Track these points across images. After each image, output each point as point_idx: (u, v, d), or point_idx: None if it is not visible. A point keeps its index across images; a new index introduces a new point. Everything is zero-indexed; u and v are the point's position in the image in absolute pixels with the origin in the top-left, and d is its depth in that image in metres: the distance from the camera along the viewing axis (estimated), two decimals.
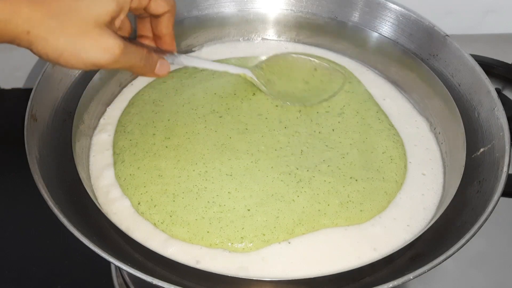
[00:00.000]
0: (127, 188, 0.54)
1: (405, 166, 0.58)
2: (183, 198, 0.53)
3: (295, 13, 0.71)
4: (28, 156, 0.50)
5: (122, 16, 0.46)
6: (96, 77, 0.60)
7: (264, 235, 0.51)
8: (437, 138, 0.62)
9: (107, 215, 0.51)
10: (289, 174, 0.55)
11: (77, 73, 0.60)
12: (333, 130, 0.61)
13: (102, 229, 0.49)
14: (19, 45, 0.42)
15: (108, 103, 0.64)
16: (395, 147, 0.60)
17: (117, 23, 0.46)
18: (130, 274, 0.48)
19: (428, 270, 0.44)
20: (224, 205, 0.53)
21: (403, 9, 0.67)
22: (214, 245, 0.50)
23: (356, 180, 0.56)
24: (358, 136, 0.60)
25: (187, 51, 0.71)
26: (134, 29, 0.53)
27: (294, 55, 0.66)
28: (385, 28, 0.68)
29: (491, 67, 0.82)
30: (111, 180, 0.56)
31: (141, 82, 0.66)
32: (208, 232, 0.51)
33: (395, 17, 0.67)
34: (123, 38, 0.45)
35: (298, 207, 0.53)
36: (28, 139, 0.51)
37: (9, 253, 0.72)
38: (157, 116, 0.61)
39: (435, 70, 0.63)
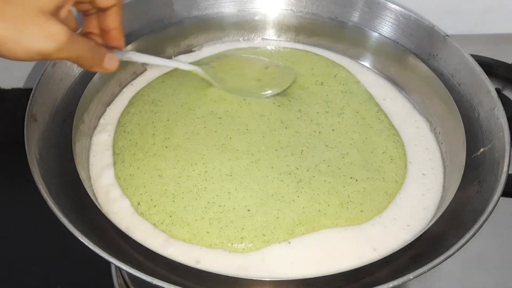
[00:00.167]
0: (127, 188, 0.54)
1: (405, 166, 0.58)
2: (183, 198, 0.53)
3: (295, 13, 0.71)
4: (28, 156, 0.50)
5: (68, 7, 0.43)
6: (96, 77, 0.60)
7: (264, 235, 0.51)
8: (437, 138, 0.62)
9: (107, 215, 0.51)
10: (289, 174, 0.55)
11: (77, 73, 0.60)
12: (333, 130, 0.61)
13: (102, 229, 0.49)
14: None
15: (108, 103, 0.64)
16: (395, 147, 0.60)
17: (63, 14, 0.43)
18: (130, 274, 0.48)
19: (428, 270, 0.44)
20: (224, 205, 0.53)
21: (403, 9, 0.67)
22: (214, 245, 0.50)
23: (356, 180, 0.56)
24: (358, 136, 0.60)
25: (187, 51, 0.71)
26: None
27: (244, 55, 0.68)
28: (385, 28, 0.68)
29: (491, 67, 0.82)
30: (111, 180, 0.56)
31: (141, 82, 0.66)
32: (208, 232, 0.51)
33: (395, 17, 0.67)
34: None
35: (298, 207, 0.53)
36: (28, 139, 0.51)
37: (9, 253, 0.72)
38: (156, 116, 0.61)
39: (435, 70, 0.63)
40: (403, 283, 0.43)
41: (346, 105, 0.64)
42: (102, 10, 0.49)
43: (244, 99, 0.63)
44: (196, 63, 0.67)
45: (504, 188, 0.50)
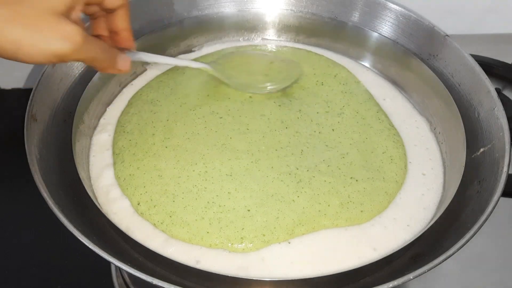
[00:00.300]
0: (127, 188, 0.54)
1: (405, 166, 0.58)
2: (182, 198, 0.53)
3: (295, 13, 0.71)
4: (28, 156, 0.50)
5: (78, 8, 0.43)
6: (96, 77, 0.60)
7: (264, 235, 0.51)
8: (437, 138, 0.62)
9: (107, 215, 0.51)
10: (289, 174, 0.55)
11: (77, 73, 0.60)
12: (333, 130, 0.61)
13: (102, 229, 0.49)
14: None
15: (108, 103, 0.64)
16: (395, 147, 0.60)
17: (74, 16, 0.43)
18: (130, 274, 0.48)
19: (428, 270, 0.44)
20: (224, 205, 0.53)
21: (403, 9, 0.67)
22: (214, 246, 0.50)
23: (356, 180, 0.56)
24: (358, 136, 0.60)
25: (187, 51, 0.71)
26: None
27: (250, 52, 0.68)
28: (385, 28, 0.68)
29: (491, 67, 0.82)
30: (111, 180, 0.56)
31: (141, 82, 0.66)
32: (208, 232, 0.51)
33: (395, 17, 0.67)
34: None
35: (298, 208, 0.53)
36: (28, 139, 0.51)
37: (9, 253, 0.72)
38: (156, 116, 0.61)
39: (435, 70, 0.63)
40: (403, 283, 0.43)
41: (346, 105, 0.64)
42: (110, 12, 0.49)
43: (244, 99, 0.63)
44: (201, 60, 0.67)
45: (504, 188, 0.50)
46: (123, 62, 0.48)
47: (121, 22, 0.49)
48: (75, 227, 0.44)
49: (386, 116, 0.63)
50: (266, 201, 0.53)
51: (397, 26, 0.67)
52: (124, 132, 0.60)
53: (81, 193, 0.51)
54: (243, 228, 0.51)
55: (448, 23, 0.75)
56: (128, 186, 0.54)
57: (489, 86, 0.58)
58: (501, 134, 0.54)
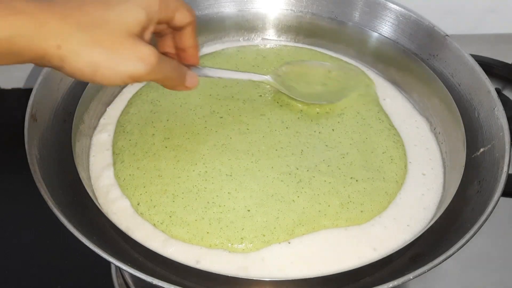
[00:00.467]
0: (127, 188, 0.54)
1: (405, 166, 0.58)
2: (182, 198, 0.53)
3: (295, 13, 0.71)
4: (28, 156, 0.50)
5: (151, 28, 0.44)
6: None
7: (264, 235, 0.51)
8: (437, 138, 0.62)
9: (107, 215, 0.51)
10: (289, 174, 0.55)
11: None
12: (333, 130, 0.61)
13: (102, 229, 0.49)
14: (49, 63, 0.39)
15: (108, 103, 0.64)
16: (395, 147, 0.60)
17: (147, 36, 0.44)
18: (130, 274, 0.49)
19: (428, 270, 0.44)
20: (224, 205, 0.53)
21: (403, 9, 0.67)
22: (214, 246, 0.50)
23: (356, 180, 0.56)
24: (358, 136, 0.60)
25: None
26: None
27: (307, 62, 0.66)
28: (385, 28, 0.68)
29: (491, 67, 0.82)
30: (111, 180, 0.56)
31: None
32: (208, 232, 0.51)
33: (395, 17, 0.67)
34: None
35: (298, 208, 0.53)
36: (28, 139, 0.51)
37: (9, 252, 0.72)
38: (156, 116, 0.61)
39: (435, 70, 0.63)
40: (403, 283, 0.43)
41: (349, 106, 0.64)
42: (177, 29, 0.49)
43: (245, 99, 0.62)
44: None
45: (504, 188, 0.50)
46: (191, 79, 0.48)
47: (189, 39, 0.49)
48: (75, 227, 0.44)
49: (386, 116, 0.63)
50: (266, 201, 0.53)
51: (397, 26, 0.67)
52: (124, 132, 0.60)
53: (81, 193, 0.51)
54: (243, 228, 0.51)
55: (448, 23, 0.75)
56: (128, 186, 0.54)
57: (489, 86, 0.58)
58: (501, 134, 0.54)
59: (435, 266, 0.44)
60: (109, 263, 0.48)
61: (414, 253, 0.49)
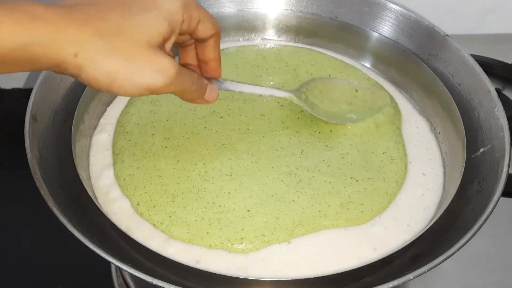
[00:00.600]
0: (127, 189, 0.54)
1: (406, 167, 0.58)
2: (182, 198, 0.53)
3: (295, 13, 0.71)
4: (28, 156, 0.50)
5: (173, 39, 0.43)
6: None
7: (264, 235, 0.51)
8: (437, 138, 0.62)
9: (107, 215, 0.51)
10: (289, 174, 0.55)
11: None
12: (331, 131, 0.60)
13: (102, 229, 0.49)
14: (66, 70, 0.39)
15: (108, 103, 0.64)
16: (396, 147, 0.60)
17: (168, 46, 0.43)
18: (130, 274, 0.49)
19: (428, 270, 0.44)
20: (224, 205, 0.53)
21: (403, 9, 0.67)
22: (214, 246, 0.50)
23: (356, 180, 0.56)
24: (358, 137, 0.60)
25: None
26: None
27: (333, 79, 0.64)
28: (385, 28, 0.68)
29: (491, 67, 0.82)
30: (111, 180, 0.56)
31: None
32: (208, 233, 0.51)
33: (395, 17, 0.67)
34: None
35: (298, 208, 0.53)
36: (28, 139, 0.51)
37: (9, 253, 0.72)
38: (155, 116, 0.61)
39: (435, 70, 0.63)
40: (403, 283, 0.43)
41: None
42: (200, 41, 0.47)
43: (245, 99, 0.62)
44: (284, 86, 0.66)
45: (504, 188, 0.50)
46: (212, 93, 0.47)
47: (212, 52, 0.48)
48: (75, 227, 0.44)
49: None
50: (266, 201, 0.53)
51: (397, 26, 0.67)
52: (123, 132, 0.60)
53: (81, 193, 0.51)
54: (243, 229, 0.51)
55: (448, 23, 0.75)
56: (128, 186, 0.54)
57: (489, 86, 0.58)
58: (501, 134, 0.54)
59: (435, 266, 0.44)
60: (109, 263, 0.48)
61: (414, 253, 0.49)
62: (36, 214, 0.71)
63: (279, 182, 0.55)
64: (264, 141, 0.58)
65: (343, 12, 0.69)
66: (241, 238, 0.50)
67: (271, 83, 0.66)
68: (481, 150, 0.55)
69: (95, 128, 0.61)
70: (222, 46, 0.70)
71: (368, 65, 0.70)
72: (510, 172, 0.52)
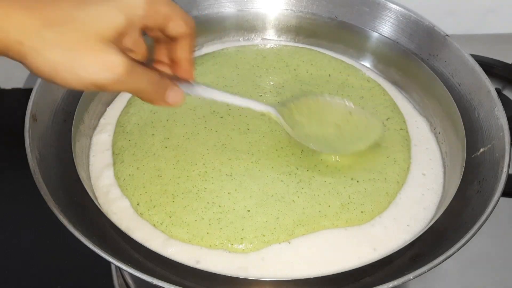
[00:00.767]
0: (127, 189, 0.54)
1: (408, 168, 0.58)
2: (182, 198, 0.53)
3: (295, 13, 0.71)
4: (28, 156, 0.50)
5: (133, 34, 0.41)
6: None
7: (264, 236, 0.51)
8: (437, 138, 0.62)
9: (107, 215, 0.51)
10: (289, 174, 0.55)
11: None
12: None
13: (102, 229, 0.49)
14: (12, 57, 0.37)
15: (108, 103, 0.64)
16: (401, 150, 0.59)
17: (128, 42, 0.41)
18: (130, 274, 0.49)
19: (428, 270, 0.44)
20: (224, 205, 0.52)
21: (403, 9, 0.67)
22: (214, 246, 0.50)
23: (357, 181, 0.56)
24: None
25: None
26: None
27: (327, 97, 0.58)
28: (385, 28, 0.68)
29: (491, 67, 0.82)
30: (111, 180, 0.56)
31: None
32: (207, 233, 0.51)
33: (395, 17, 0.67)
34: (132, 59, 0.40)
35: (298, 208, 0.53)
36: (28, 139, 0.51)
37: (9, 253, 0.72)
38: (155, 116, 0.61)
39: (435, 70, 0.63)
40: (403, 283, 0.43)
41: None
42: (172, 39, 0.45)
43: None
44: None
45: (504, 188, 0.50)
46: (175, 96, 0.44)
47: (183, 52, 0.45)
48: (75, 227, 0.44)
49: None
50: (266, 201, 0.53)
51: (397, 26, 0.67)
52: (123, 132, 0.60)
53: (81, 193, 0.51)
54: (243, 229, 0.51)
55: (448, 23, 0.75)
56: (127, 186, 0.54)
57: (489, 86, 0.58)
58: (501, 134, 0.54)
59: (435, 266, 0.44)
60: (109, 263, 0.48)
61: (414, 253, 0.49)
62: (36, 214, 0.71)
63: (279, 182, 0.55)
64: (264, 141, 0.58)
65: (343, 12, 0.69)
66: (241, 238, 0.50)
67: (271, 83, 0.65)
68: (481, 150, 0.55)
69: (95, 128, 0.61)
70: (222, 46, 0.71)
71: (368, 65, 0.70)
72: (510, 172, 0.52)
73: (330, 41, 0.71)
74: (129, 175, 0.55)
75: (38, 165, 0.50)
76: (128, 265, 0.43)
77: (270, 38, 0.73)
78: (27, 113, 0.53)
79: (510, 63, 0.84)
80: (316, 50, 0.71)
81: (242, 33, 0.72)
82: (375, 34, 0.68)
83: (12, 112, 0.88)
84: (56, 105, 0.57)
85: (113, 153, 0.58)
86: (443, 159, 0.60)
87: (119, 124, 0.61)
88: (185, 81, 0.47)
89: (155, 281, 0.42)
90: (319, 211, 0.53)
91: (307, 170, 0.56)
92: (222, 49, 0.71)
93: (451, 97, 0.60)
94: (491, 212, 0.48)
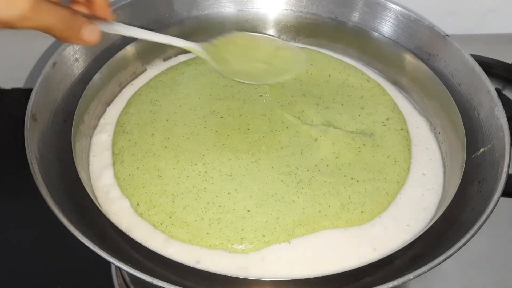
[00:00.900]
0: (126, 189, 0.54)
1: (408, 168, 0.58)
2: (182, 199, 0.53)
3: (295, 13, 0.71)
4: (28, 156, 0.50)
5: None
6: (96, 77, 0.60)
7: (264, 236, 0.51)
8: (437, 138, 0.62)
9: (107, 215, 0.51)
10: (289, 174, 0.55)
11: (77, 73, 0.60)
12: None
13: (102, 229, 0.49)
14: None
15: (108, 103, 0.64)
16: (402, 150, 0.59)
17: None
18: (130, 274, 0.48)
19: (428, 270, 0.44)
20: (224, 206, 0.52)
21: (403, 9, 0.67)
22: (214, 246, 0.50)
23: (357, 181, 0.56)
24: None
25: (188, 51, 0.70)
26: None
27: (255, 34, 0.60)
28: (385, 28, 0.68)
29: (491, 67, 0.82)
30: (111, 180, 0.56)
31: (141, 82, 0.66)
32: (207, 233, 0.51)
33: (395, 17, 0.67)
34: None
35: (298, 208, 0.53)
36: (28, 139, 0.51)
37: (9, 253, 0.72)
38: (155, 116, 0.61)
39: (435, 70, 0.63)
40: (403, 283, 0.43)
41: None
42: None
43: (246, 99, 0.62)
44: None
45: (504, 188, 0.50)
46: (90, 33, 0.43)
47: None
48: (75, 227, 0.44)
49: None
50: (266, 201, 0.53)
51: (397, 26, 0.67)
52: (123, 132, 0.60)
53: (81, 193, 0.51)
54: (243, 229, 0.51)
55: (448, 23, 0.75)
56: (127, 186, 0.54)
57: (489, 86, 0.58)
58: (501, 134, 0.54)
59: (435, 266, 0.44)
60: (109, 263, 0.48)
61: (414, 253, 0.49)
62: (36, 214, 0.71)
63: (279, 182, 0.55)
64: (265, 141, 0.58)
65: (343, 12, 0.69)
66: (241, 238, 0.50)
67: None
68: (481, 150, 0.55)
69: (95, 128, 0.61)
70: None
71: (368, 65, 0.70)
72: (510, 172, 0.52)
73: (330, 41, 0.71)
74: (129, 175, 0.55)
75: (38, 165, 0.50)
76: (128, 265, 0.43)
77: None
78: (27, 113, 0.53)
79: (510, 63, 0.84)
80: (316, 50, 0.71)
81: None
82: (375, 34, 0.68)
83: (12, 112, 0.88)
84: (56, 105, 0.57)
85: (113, 153, 0.58)
86: (443, 159, 0.60)
87: (119, 124, 0.61)
88: (103, 19, 0.47)
89: (155, 281, 0.42)
90: (319, 211, 0.53)
91: (307, 170, 0.56)
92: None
93: (451, 97, 0.60)
94: (491, 212, 0.48)
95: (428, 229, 0.50)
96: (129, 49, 0.65)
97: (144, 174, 0.55)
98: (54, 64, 0.57)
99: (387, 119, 0.63)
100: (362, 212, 0.53)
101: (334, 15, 0.70)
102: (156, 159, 0.56)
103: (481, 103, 0.58)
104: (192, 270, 0.47)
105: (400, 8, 0.67)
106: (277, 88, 0.65)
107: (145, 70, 0.68)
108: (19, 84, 0.91)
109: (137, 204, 0.53)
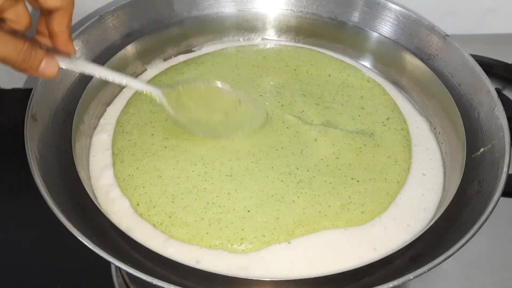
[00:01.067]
0: (126, 189, 0.54)
1: (409, 168, 0.58)
2: (182, 199, 0.53)
3: (295, 13, 0.71)
4: (28, 156, 0.50)
5: (5, 4, 0.41)
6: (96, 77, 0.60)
7: (264, 236, 0.51)
8: (437, 138, 0.62)
9: (107, 215, 0.51)
10: (289, 174, 0.55)
11: (77, 73, 0.60)
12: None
13: (102, 229, 0.49)
14: None
15: (108, 103, 0.64)
16: (403, 150, 0.59)
17: (11, 13, 0.41)
18: (130, 274, 0.48)
19: (428, 270, 0.44)
20: (224, 206, 0.52)
21: (403, 9, 0.67)
22: (213, 246, 0.50)
23: (357, 181, 0.56)
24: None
25: (187, 51, 0.71)
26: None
27: (220, 84, 0.58)
28: (385, 28, 0.68)
29: (491, 67, 0.82)
30: (111, 180, 0.56)
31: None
32: (207, 233, 0.51)
33: (395, 17, 0.67)
34: (12, 31, 0.40)
35: (298, 208, 0.53)
36: (28, 139, 0.51)
37: (9, 252, 0.72)
38: (155, 116, 0.61)
39: (435, 70, 0.63)
40: (403, 283, 0.43)
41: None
42: (49, 11, 0.46)
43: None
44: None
45: (504, 188, 0.50)
46: (48, 67, 0.45)
47: (58, 25, 0.46)
48: (75, 227, 0.44)
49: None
50: (266, 201, 0.53)
51: (397, 26, 0.67)
52: (123, 132, 0.60)
53: (81, 193, 0.51)
54: (243, 229, 0.51)
55: (448, 23, 0.75)
56: (127, 186, 0.54)
57: (489, 86, 0.58)
58: (501, 134, 0.54)
59: (435, 266, 0.44)
60: (109, 263, 0.48)
61: (414, 253, 0.49)
62: (36, 214, 0.71)
63: (279, 182, 0.54)
64: (264, 141, 0.58)
65: (343, 12, 0.69)
66: (241, 239, 0.50)
67: (271, 83, 0.65)
68: (481, 150, 0.55)
69: (95, 128, 0.61)
70: (222, 46, 0.71)
71: (368, 65, 0.70)
72: (510, 172, 0.52)
73: (330, 41, 0.71)
74: (129, 175, 0.55)
75: (38, 165, 0.50)
76: (128, 265, 0.43)
77: (270, 38, 0.73)
78: (27, 113, 0.53)
79: (510, 63, 0.84)
80: (316, 50, 0.71)
81: (242, 33, 0.72)
82: (375, 34, 0.68)
83: (12, 112, 0.88)
84: (56, 105, 0.57)
85: (113, 153, 0.58)
86: (443, 159, 0.60)
87: (119, 124, 0.61)
88: (65, 54, 0.47)
89: (155, 281, 0.42)
90: (319, 211, 0.53)
91: (307, 170, 0.56)
92: (222, 49, 0.71)
93: (451, 97, 0.60)
94: (491, 212, 0.48)
95: (428, 229, 0.50)
96: (129, 49, 0.65)
97: (144, 174, 0.55)
98: None
99: (387, 119, 0.63)
100: (362, 212, 0.53)
101: (334, 15, 0.70)
102: (156, 159, 0.56)
103: (481, 103, 0.58)
104: (192, 270, 0.47)
105: (400, 8, 0.67)
106: (277, 88, 0.65)
107: (145, 70, 0.68)
108: (19, 84, 0.91)
109: (137, 204, 0.53)
